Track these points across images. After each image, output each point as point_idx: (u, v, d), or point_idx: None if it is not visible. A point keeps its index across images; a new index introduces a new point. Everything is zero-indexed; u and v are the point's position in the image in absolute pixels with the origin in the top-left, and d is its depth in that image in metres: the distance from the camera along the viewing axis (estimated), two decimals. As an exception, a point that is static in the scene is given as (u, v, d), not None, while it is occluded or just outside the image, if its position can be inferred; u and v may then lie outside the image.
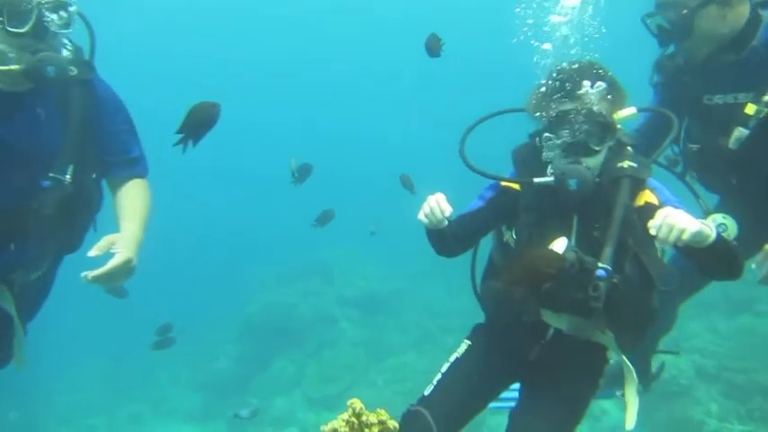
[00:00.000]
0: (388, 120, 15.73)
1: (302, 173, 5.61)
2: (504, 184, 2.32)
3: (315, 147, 14.41)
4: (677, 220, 1.83)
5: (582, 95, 2.04)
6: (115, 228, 2.37)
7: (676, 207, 1.99)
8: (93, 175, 2.47)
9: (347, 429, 1.66)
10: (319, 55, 16.42)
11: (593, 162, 2.09)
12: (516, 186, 2.28)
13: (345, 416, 1.67)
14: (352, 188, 13.13)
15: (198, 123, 2.09)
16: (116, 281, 2.19)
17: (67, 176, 2.29)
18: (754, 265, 2.40)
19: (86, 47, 2.44)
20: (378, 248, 9.35)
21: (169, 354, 6.78)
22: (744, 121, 2.39)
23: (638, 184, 2.12)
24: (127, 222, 2.37)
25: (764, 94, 2.35)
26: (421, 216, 2.16)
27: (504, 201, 2.30)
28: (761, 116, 2.36)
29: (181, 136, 2.10)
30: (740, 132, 2.40)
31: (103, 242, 2.20)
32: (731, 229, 2.56)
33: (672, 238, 1.83)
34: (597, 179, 2.10)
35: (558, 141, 2.08)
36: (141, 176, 2.56)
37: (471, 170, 2.29)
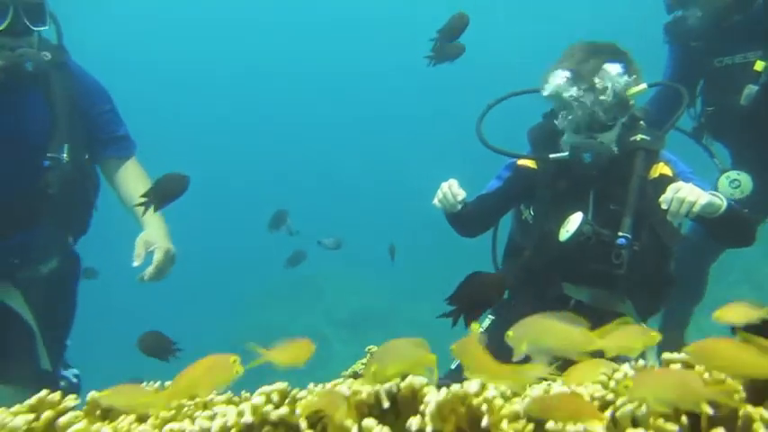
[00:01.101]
0: (385, 129, 15.31)
1: (278, 221, 5.53)
2: (520, 163, 2.41)
3: (306, 158, 14.20)
4: (687, 193, 1.93)
5: (596, 75, 2.13)
6: (117, 209, 2.51)
7: (689, 179, 2.11)
8: (87, 156, 2.55)
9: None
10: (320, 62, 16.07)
11: (607, 137, 2.20)
12: (533, 164, 2.38)
13: (364, 360, 1.83)
14: (341, 201, 13.06)
15: (164, 193, 2.18)
16: (165, 273, 2.30)
17: (64, 155, 2.38)
18: None
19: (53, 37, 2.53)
20: (367, 265, 9.37)
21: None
22: (755, 77, 2.52)
23: (652, 157, 2.23)
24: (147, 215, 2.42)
25: None
26: (435, 202, 2.27)
27: (522, 179, 2.40)
28: None
29: (145, 200, 2.21)
30: (750, 89, 2.52)
31: (140, 247, 2.29)
32: (745, 184, 2.64)
33: (683, 211, 1.92)
34: (615, 150, 2.20)
35: (573, 119, 2.19)
36: (133, 154, 2.65)
37: (488, 149, 2.39)
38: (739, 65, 2.61)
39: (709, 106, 2.80)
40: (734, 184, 2.54)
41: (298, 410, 1.10)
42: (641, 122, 2.28)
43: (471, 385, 1.02)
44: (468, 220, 2.36)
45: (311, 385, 1.28)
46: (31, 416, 1.23)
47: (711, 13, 2.57)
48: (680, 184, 1.98)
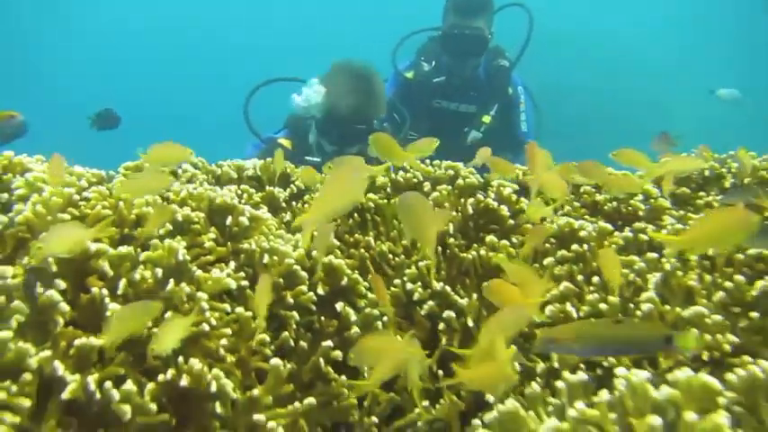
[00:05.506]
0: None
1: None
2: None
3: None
4: None
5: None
6: None
7: None
8: None
9: None
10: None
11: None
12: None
13: None
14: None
15: None
16: None
17: None
18: None
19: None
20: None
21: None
22: (478, 126, 3.19)
23: (374, 163, 2.42)
24: None
25: (492, 109, 3.20)
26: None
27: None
28: (489, 124, 3.18)
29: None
30: (475, 134, 3.17)
31: None
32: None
33: None
34: None
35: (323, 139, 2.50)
36: None
37: (254, 134, 2.65)
38: (458, 112, 3.28)
39: (415, 132, 3.17)
40: None
41: None
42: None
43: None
44: None
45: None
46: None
47: (444, 71, 3.22)
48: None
